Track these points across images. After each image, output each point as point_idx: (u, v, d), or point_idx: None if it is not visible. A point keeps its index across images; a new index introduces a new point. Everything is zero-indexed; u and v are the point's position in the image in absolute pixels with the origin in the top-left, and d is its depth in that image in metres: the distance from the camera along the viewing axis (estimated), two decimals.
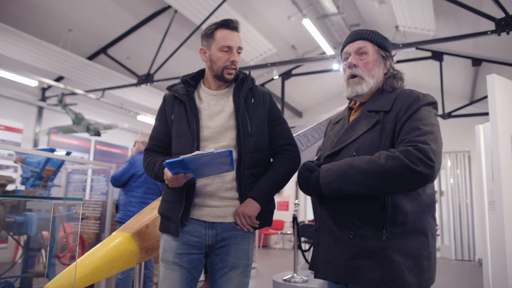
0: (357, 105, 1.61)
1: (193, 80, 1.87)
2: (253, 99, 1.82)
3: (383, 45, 1.58)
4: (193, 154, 1.50)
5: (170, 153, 1.84)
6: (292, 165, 1.82)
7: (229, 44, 1.75)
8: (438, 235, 12.24)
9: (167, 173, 1.62)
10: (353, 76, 1.56)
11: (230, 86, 1.87)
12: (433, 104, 1.47)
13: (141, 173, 4.10)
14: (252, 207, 1.69)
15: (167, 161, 1.51)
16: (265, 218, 1.78)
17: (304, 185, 1.50)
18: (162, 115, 1.86)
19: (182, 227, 1.72)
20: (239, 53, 1.80)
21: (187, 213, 1.71)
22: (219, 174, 1.71)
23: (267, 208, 1.79)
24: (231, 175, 1.73)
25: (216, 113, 1.78)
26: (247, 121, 1.76)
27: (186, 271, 1.71)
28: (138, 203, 4.00)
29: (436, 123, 1.42)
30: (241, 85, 1.82)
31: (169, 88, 1.86)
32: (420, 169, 1.26)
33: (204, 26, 6.98)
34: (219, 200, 1.73)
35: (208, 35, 1.80)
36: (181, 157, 1.49)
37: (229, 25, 1.78)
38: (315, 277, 1.48)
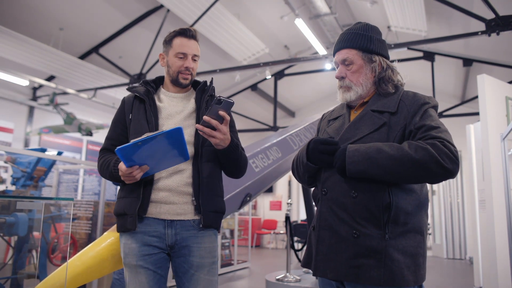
0: (358, 104, 1.60)
1: (153, 84, 1.95)
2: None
3: (368, 48, 1.55)
4: (143, 136, 1.49)
5: None
6: (246, 160, 1.90)
7: (184, 51, 1.83)
8: (429, 233, 12.33)
9: (122, 166, 1.60)
10: (341, 86, 1.60)
11: (190, 91, 1.94)
12: (436, 107, 1.51)
13: None
14: (227, 133, 1.68)
15: (118, 147, 1.49)
16: (212, 218, 1.76)
17: (317, 159, 1.47)
18: (120, 116, 1.90)
19: (140, 221, 1.71)
20: (195, 60, 1.88)
21: (145, 207, 1.70)
22: (177, 171, 1.73)
23: (215, 208, 1.78)
24: (188, 170, 1.74)
25: (176, 112, 1.84)
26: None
27: (152, 272, 1.70)
28: None
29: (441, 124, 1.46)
30: (203, 90, 1.90)
31: (130, 88, 1.90)
32: (447, 164, 1.30)
33: (196, 26, 7.02)
34: (178, 196, 1.72)
35: (167, 41, 1.88)
36: (132, 141, 1.48)
37: (186, 33, 1.86)
38: (314, 274, 1.48)
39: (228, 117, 1.62)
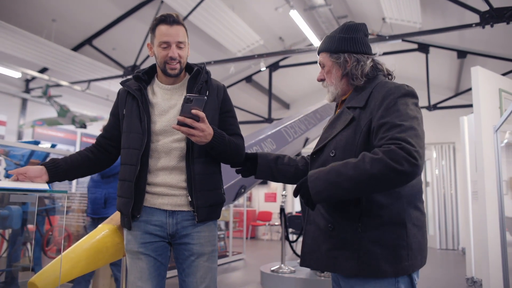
0: (339, 102, 1.68)
1: (146, 75, 1.90)
2: (207, 91, 1.85)
3: (332, 49, 1.60)
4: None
5: (119, 147, 1.89)
6: (240, 147, 1.85)
7: (166, 40, 1.76)
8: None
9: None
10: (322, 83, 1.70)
11: (185, 79, 1.89)
12: (409, 94, 1.44)
13: None
14: (209, 128, 1.67)
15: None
16: (207, 212, 1.78)
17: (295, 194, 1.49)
18: (115, 109, 1.91)
19: (140, 215, 1.77)
20: (181, 48, 1.79)
21: (138, 207, 1.75)
22: (176, 168, 1.77)
23: (210, 203, 1.79)
24: (183, 167, 1.77)
25: (170, 107, 1.82)
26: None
27: (153, 259, 1.76)
28: None
29: (415, 114, 1.39)
30: (195, 77, 1.85)
31: (123, 83, 1.89)
32: (405, 168, 1.26)
33: (191, 17, 6.97)
34: (177, 190, 1.77)
35: (152, 30, 1.83)
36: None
37: (167, 19, 1.77)
38: (301, 265, 1.57)
39: (202, 114, 1.60)
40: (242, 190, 3.14)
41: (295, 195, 1.46)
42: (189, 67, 1.92)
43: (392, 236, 1.38)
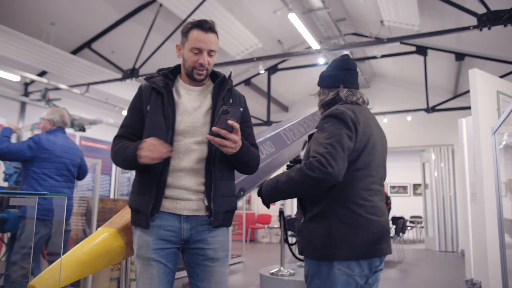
0: None
1: (172, 74, 1.89)
2: (231, 100, 1.88)
3: (319, 84, 2.02)
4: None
5: None
6: (258, 158, 1.91)
7: (199, 46, 1.76)
8: (422, 227, 12.43)
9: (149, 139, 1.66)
10: None
11: (208, 83, 1.91)
12: (332, 115, 1.76)
13: (45, 156, 3.46)
14: (240, 139, 1.70)
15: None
16: (223, 218, 1.78)
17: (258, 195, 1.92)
18: (137, 104, 1.85)
19: (153, 220, 1.72)
20: (211, 55, 1.81)
21: (158, 206, 1.71)
22: (193, 170, 1.74)
23: (226, 209, 1.80)
24: (203, 170, 1.75)
25: (194, 108, 1.81)
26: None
27: (163, 266, 1.73)
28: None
29: (334, 130, 1.70)
30: (221, 84, 1.87)
31: (148, 79, 1.86)
32: (316, 175, 1.60)
33: (189, 20, 6.98)
34: (193, 194, 1.74)
35: (184, 33, 1.82)
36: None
37: (203, 26, 1.77)
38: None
39: (237, 126, 1.62)
40: (242, 193, 3.14)
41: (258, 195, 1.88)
42: (212, 73, 1.93)
43: (318, 227, 1.73)
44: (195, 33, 1.77)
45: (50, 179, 3.41)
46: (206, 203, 1.74)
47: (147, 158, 1.63)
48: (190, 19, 1.82)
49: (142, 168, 1.72)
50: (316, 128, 1.84)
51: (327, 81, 1.98)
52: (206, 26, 1.77)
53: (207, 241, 1.75)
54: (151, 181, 1.72)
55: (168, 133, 1.74)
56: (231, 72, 1.99)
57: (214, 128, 1.61)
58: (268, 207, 1.89)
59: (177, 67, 1.92)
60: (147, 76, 1.87)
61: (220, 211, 1.76)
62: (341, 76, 1.94)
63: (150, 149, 1.62)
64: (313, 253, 1.72)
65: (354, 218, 1.68)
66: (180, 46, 1.85)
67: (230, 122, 1.60)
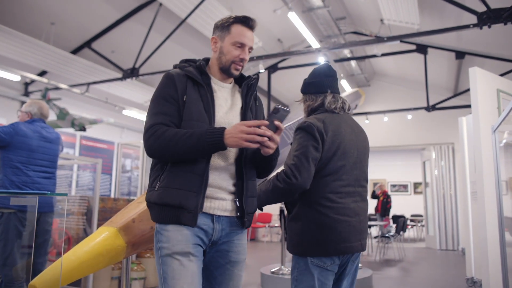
0: None
1: (204, 67, 1.78)
2: (257, 101, 1.87)
3: (301, 90, 2.19)
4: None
5: None
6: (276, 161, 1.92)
7: (243, 41, 1.72)
8: (423, 225, 12.42)
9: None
10: None
11: (233, 83, 1.87)
12: (300, 128, 1.96)
13: (22, 143, 3.32)
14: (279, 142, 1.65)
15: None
16: (251, 219, 1.76)
17: None
18: (172, 92, 1.67)
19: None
20: (249, 52, 1.79)
21: (202, 203, 1.62)
22: (225, 169, 1.69)
23: (253, 209, 1.78)
24: (233, 170, 1.71)
25: (228, 106, 1.77)
26: (252, 119, 1.79)
27: (201, 263, 1.63)
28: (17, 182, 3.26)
29: (302, 142, 1.92)
30: (249, 86, 1.83)
31: (182, 67, 1.74)
32: (283, 186, 1.88)
33: (189, 20, 6.99)
34: (226, 193, 1.69)
35: (224, 26, 1.75)
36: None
37: (248, 22, 1.75)
38: None
39: (282, 127, 1.58)
40: None
41: None
42: None
43: (294, 227, 1.97)
44: (240, 28, 1.73)
45: (26, 168, 3.27)
46: (238, 204, 1.70)
47: (239, 141, 1.53)
48: (231, 15, 1.75)
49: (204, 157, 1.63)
50: None
51: (314, 87, 2.13)
52: (250, 23, 1.75)
53: (233, 244, 1.71)
54: (200, 177, 1.62)
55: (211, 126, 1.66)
56: (258, 72, 1.99)
57: (263, 127, 1.53)
58: (261, 210, 2.04)
59: (205, 60, 1.85)
60: (179, 65, 1.78)
61: (250, 212, 1.73)
62: (327, 82, 2.11)
63: (241, 136, 1.52)
64: (292, 249, 1.98)
65: (322, 219, 1.88)
66: (217, 39, 1.78)
67: (276, 122, 1.56)
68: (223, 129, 1.56)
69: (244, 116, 1.76)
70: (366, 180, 2.08)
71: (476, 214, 4.99)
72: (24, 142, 3.28)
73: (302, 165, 1.87)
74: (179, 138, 1.57)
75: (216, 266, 1.71)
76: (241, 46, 1.73)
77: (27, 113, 3.51)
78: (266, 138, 1.54)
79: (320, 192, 1.91)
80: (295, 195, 1.91)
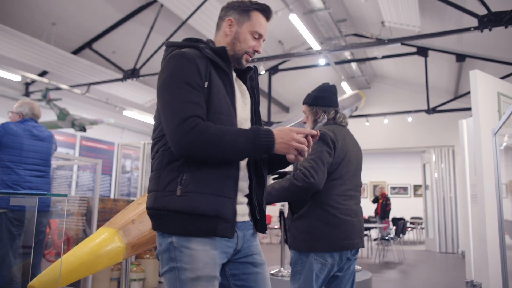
0: None
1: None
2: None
3: (309, 103, 2.33)
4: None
5: None
6: None
7: (261, 32, 1.58)
8: (423, 228, 12.42)
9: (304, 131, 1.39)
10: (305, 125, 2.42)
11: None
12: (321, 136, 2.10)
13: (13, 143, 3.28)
14: None
15: None
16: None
17: None
18: (198, 78, 1.41)
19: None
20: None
21: (235, 210, 1.44)
22: (244, 168, 1.51)
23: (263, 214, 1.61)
24: (246, 171, 1.52)
25: (243, 101, 1.59)
26: (259, 114, 1.65)
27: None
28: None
29: (316, 148, 2.08)
30: (252, 78, 1.66)
31: (200, 48, 1.50)
32: (301, 184, 2.01)
33: (190, 21, 6.99)
34: (243, 196, 1.52)
35: (244, 11, 1.58)
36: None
37: (268, 13, 1.60)
38: None
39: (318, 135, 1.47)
40: None
41: None
42: None
43: (302, 224, 2.13)
44: (260, 17, 1.58)
45: (17, 167, 3.23)
46: (258, 207, 1.54)
47: (290, 149, 1.39)
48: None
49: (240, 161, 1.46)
50: None
51: (324, 101, 2.34)
52: (269, 14, 1.61)
53: (254, 247, 1.54)
54: (235, 181, 1.43)
55: (234, 123, 1.47)
56: (255, 65, 1.79)
57: (314, 131, 1.42)
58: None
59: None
60: (185, 43, 1.55)
61: (264, 214, 1.59)
62: (335, 99, 2.36)
63: (301, 142, 1.39)
64: (297, 246, 2.13)
65: (330, 218, 2.10)
66: (233, 23, 1.58)
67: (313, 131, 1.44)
68: (271, 131, 1.38)
69: (256, 113, 1.61)
70: (361, 186, 2.36)
71: (476, 217, 4.98)
72: (14, 141, 3.25)
73: (318, 167, 2.06)
74: (229, 137, 1.34)
75: (248, 273, 1.51)
76: (259, 37, 1.58)
77: (18, 114, 3.48)
78: (307, 148, 1.42)
79: (329, 194, 2.13)
80: (310, 194, 2.08)
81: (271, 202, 2.10)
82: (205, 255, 1.36)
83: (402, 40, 6.51)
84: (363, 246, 2.24)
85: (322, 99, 2.34)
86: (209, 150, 1.33)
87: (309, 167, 2.04)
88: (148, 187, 1.44)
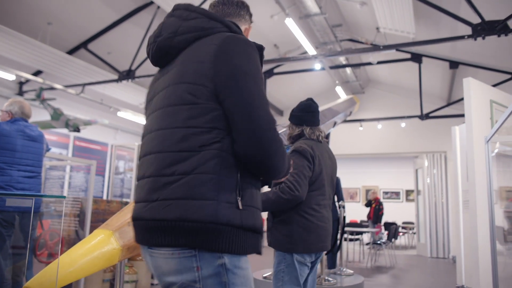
0: None
1: None
2: None
3: (289, 119, 2.65)
4: None
5: None
6: None
7: None
8: (414, 233, 12.49)
9: None
10: None
11: None
12: (297, 151, 2.38)
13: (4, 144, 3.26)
14: None
15: None
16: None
17: None
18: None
19: None
20: None
21: None
22: None
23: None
24: None
25: None
26: None
27: None
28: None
29: (298, 162, 2.33)
30: None
31: (259, 47, 1.33)
32: (287, 197, 2.27)
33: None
34: None
35: (250, 17, 1.56)
36: None
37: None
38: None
39: None
40: None
41: None
42: None
43: (283, 229, 2.36)
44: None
45: (10, 168, 3.19)
46: None
47: None
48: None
49: None
50: None
51: (294, 119, 2.63)
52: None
53: None
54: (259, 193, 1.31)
55: None
56: None
57: None
58: None
59: None
60: (235, 28, 1.34)
61: None
62: (306, 117, 2.59)
63: None
64: (281, 247, 2.36)
65: (308, 224, 2.35)
66: (248, 29, 1.56)
67: None
68: None
69: None
70: (333, 194, 2.66)
71: (468, 222, 5.04)
72: (7, 142, 3.22)
73: (302, 181, 2.32)
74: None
75: None
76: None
77: (7, 112, 3.42)
78: None
79: (307, 203, 2.38)
80: (293, 205, 2.32)
81: (265, 211, 2.30)
82: (251, 274, 1.24)
83: (397, 47, 6.58)
84: (329, 248, 2.52)
85: (294, 117, 2.65)
86: (281, 161, 1.21)
87: (293, 181, 2.29)
88: (185, 192, 1.12)
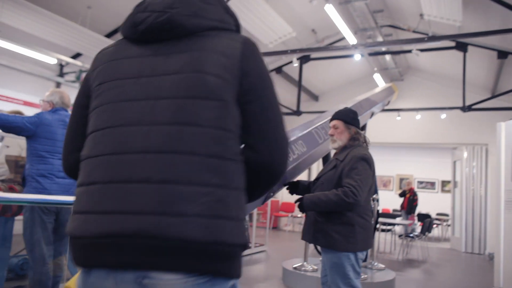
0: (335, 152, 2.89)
1: None
2: None
3: (347, 121, 2.80)
4: None
5: None
6: None
7: None
8: (449, 225, 12.19)
9: None
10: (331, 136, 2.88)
11: None
12: (364, 159, 2.62)
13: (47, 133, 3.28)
14: None
15: None
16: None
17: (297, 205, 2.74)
18: None
19: None
20: None
21: None
22: None
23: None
24: None
25: None
26: None
27: None
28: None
29: (363, 170, 2.58)
30: None
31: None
32: (349, 200, 2.47)
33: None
34: None
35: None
36: None
37: None
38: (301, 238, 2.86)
39: None
40: (271, 194, 3.15)
41: (297, 206, 2.70)
42: None
43: (345, 229, 2.57)
44: None
45: (51, 156, 3.24)
46: None
47: None
48: None
49: None
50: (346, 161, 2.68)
51: (358, 123, 2.83)
52: None
53: None
54: None
55: None
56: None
57: None
58: (304, 212, 2.72)
59: None
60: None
61: None
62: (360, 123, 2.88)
63: None
64: (341, 247, 2.56)
65: (366, 225, 2.65)
66: None
67: None
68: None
69: None
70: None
71: (510, 223, 4.85)
72: (49, 131, 3.28)
73: (365, 187, 2.55)
74: None
75: None
76: None
77: (49, 103, 3.51)
78: None
79: (366, 207, 2.70)
80: (351, 208, 2.54)
81: (315, 209, 2.65)
82: None
83: (442, 39, 6.29)
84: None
85: (357, 122, 2.82)
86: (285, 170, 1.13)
87: (357, 186, 2.49)
88: (222, 209, 0.94)
